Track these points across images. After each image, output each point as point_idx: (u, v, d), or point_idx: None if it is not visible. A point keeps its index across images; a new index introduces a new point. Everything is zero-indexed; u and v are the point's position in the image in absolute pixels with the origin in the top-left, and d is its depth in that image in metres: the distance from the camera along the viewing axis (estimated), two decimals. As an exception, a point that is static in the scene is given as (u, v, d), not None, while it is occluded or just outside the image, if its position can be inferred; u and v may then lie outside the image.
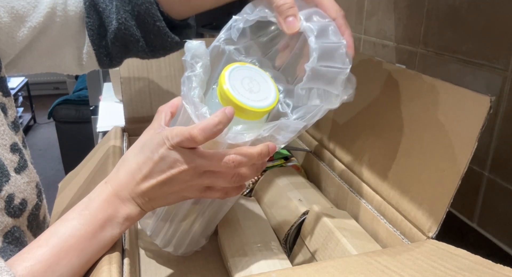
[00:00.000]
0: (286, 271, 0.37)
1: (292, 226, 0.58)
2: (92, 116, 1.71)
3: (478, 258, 0.38)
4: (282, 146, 0.47)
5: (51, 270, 0.38)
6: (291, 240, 0.58)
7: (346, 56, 0.45)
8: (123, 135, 0.76)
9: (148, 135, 0.46)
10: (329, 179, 0.67)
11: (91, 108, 1.85)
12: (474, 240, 0.62)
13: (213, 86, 0.49)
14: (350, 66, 0.45)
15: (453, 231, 0.63)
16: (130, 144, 0.70)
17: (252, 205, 0.67)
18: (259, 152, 0.43)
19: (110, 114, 1.26)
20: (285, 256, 0.54)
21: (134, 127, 0.79)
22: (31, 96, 3.93)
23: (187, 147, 0.42)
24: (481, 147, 0.59)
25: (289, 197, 0.63)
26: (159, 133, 0.44)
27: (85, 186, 0.61)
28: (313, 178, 0.73)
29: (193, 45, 0.47)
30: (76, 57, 0.58)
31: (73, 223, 0.41)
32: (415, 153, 0.49)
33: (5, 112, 0.50)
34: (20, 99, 3.96)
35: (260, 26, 0.52)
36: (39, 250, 0.39)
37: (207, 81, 0.49)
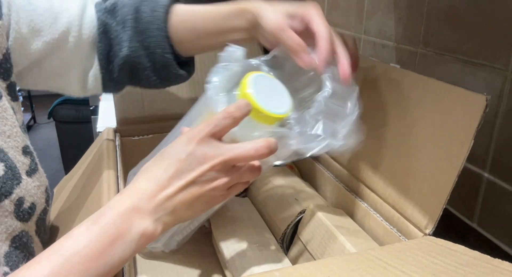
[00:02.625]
0: (288, 269, 0.37)
1: (288, 225, 0.58)
2: (92, 116, 1.72)
3: (476, 253, 0.38)
4: (277, 162, 0.49)
5: None
6: (288, 239, 0.58)
7: (356, 101, 0.47)
8: (115, 136, 0.75)
9: (169, 146, 0.43)
10: (323, 177, 0.67)
11: (91, 108, 1.85)
12: (474, 240, 0.62)
13: (234, 92, 0.51)
14: (358, 111, 0.47)
15: (453, 231, 0.63)
16: (122, 145, 0.70)
17: (247, 205, 0.67)
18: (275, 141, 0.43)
19: (110, 114, 1.26)
20: (284, 255, 0.54)
21: (126, 128, 0.79)
22: (31, 96, 3.93)
23: (219, 134, 0.42)
24: (481, 147, 0.59)
25: (285, 196, 0.63)
26: (179, 138, 0.42)
27: (80, 190, 0.61)
28: (307, 176, 0.73)
29: (235, 48, 0.49)
30: (81, 80, 0.59)
31: (79, 240, 0.37)
32: (411, 151, 0.49)
33: None
34: (20, 99, 3.94)
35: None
36: (38, 266, 0.35)
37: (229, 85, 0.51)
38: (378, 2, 0.81)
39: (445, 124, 0.45)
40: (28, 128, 3.73)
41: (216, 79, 0.48)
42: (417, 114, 0.49)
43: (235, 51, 0.49)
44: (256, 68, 0.52)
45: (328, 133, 0.47)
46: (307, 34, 0.49)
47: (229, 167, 0.42)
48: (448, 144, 0.44)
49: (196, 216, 0.45)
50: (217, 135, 0.42)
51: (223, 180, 0.41)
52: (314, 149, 0.47)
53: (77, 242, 0.37)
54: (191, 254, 0.61)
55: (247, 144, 0.42)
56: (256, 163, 0.44)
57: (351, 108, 0.47)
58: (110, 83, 0.60)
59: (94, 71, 0.58)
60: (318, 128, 0.47)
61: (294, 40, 0.48)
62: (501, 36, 0.55)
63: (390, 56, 0.78)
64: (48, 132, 3.55)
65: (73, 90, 0.60)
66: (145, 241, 0.39)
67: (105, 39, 0.57)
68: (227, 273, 0.55)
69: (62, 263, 0.35)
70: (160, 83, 0.61)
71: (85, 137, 2.32)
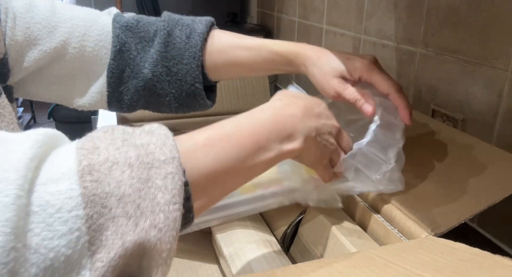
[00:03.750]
0: (290, 268, 0.37)
1: (289, 225, 0.58)
2: (92, 116, 1.72)
3: (477, 250, 0.39)
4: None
5: (211, 145, 0.34)
6: (288, 240, 0.58)
7: (396, 153, 0.48)
8: None
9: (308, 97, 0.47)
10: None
11: (91, 108, 1.85)
12: (474, 241, 0.62)
13: None
14: (393, 164, 0.48)
15: (453, 231, 0.63)
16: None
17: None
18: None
19: (110, 114, 1.26)
20: (284, 255, 0.54)
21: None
22: (31, 96, 3.92)
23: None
24: (481, 147, 0.59)
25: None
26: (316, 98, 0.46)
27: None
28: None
29: (297, 90, 0.51)
30: (86, 94, 0.56)
31: (241, 121, 0.38)
32: (435, 178, 0.50)
33: None
34: (20, 99, 3.96)
35: None
36: (202, 130, 0.36)
37: None
38: (378, 2, 0.81)
39: (482, 179, 0.47)
40: (28, 128, 3.72)
41: None
42: (458, 158, 0.51)
43: (297, 91, 0.50)
44: None
45: (360, 180, 0.49)
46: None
47: (338, 136, 0.46)
48: (475, 188, 0.46)
49: (308, 162, 0.46)
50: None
51: (333, 141, 0.46)
52: (343, 190, 0.50)
53: (240, 122, 0.38)
54: (191, 253, 0.61)
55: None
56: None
57: (390, 158, 0.48)
58: (118, 103, 0.58)
59: (100, 88, 0.56)
60: (350, 173, 0.49)
61: (353, 96, 0.51)
62: (501, 36, 0.55)
63: (390, 56, 0.78)
64: (48, 132, 3.55)
65: (76, 103, 0.57)
66: (287, 147, 0.40)
67: (121, 58, 0.54)
68: (227, 272, 0.55)
69: (225, 131, 0.36)
70: (181, 109, 0.59)
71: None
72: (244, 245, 0.55)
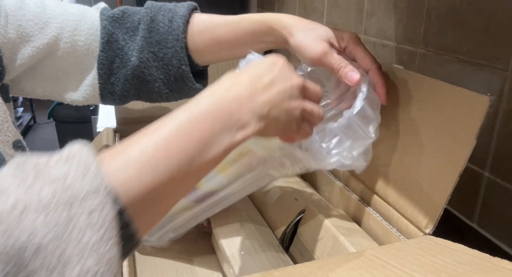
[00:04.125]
0: (288, 269, 0.37)
1: (288, 225, 0.58)
2: (92, 116, 1.72)
3: (476, 252, 0.39)
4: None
5: (146, 159, 0.30)
6: (288, 239, 0.58)
7: (376, 130, 0.48)
8: (115, 136, 0.75)
9: (263, 57, 0.44)
10: (323, 177, 0.67)
11: (91, 108, 1.86)
12: (474, 240, 0.61)
13: None
14: (374, 139, 0.48)
15: (453, 231, 0.63)
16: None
17: (247, 205, 0.67)
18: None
19: (110, 114, 1.26)
20: (284, 254, 0.54)
21: (126, 129, 0.78)
22: (31, 96, 3.92)
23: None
24: (481, 147, 0.59)
25: (285, 196, 0.63)
26: (275, 54, 0.43)
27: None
28: (307, 177, 0.73)
29: (255, 57, 0.49)
30: (79, 88, 0.57)
31: (177, 118, 0.34)
32: (412, 151, 0.49)
33: None
34: (20, 99, 3.96)
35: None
36: (134, 141, 0.32)
37: None
38: (378, 2, 0.81)
39: (448, 124, 0.45)
40: (28, 128, 3.73)
41: None
42: (419, 114, 0.49)
43: (255, 59, 0.48)
44: None
45: (341, 150, 0.48)
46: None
47: (302, 94, 0.42)
48: (450, 144, 0.44)
49: (275, 136, 0.43)
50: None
51: (299, 102, 0.41)
52: (322, 165, 0.48)
53: (176, 120, 0.34)
54: (191, 253, 0.61)
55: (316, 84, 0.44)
56: (321, 109, 0.45)
57: (371, 132, 0.48)
58: (109, 95, 0.58)
59: (92, 81, 0.56)
60: (332, 143, 0.48)
61: (338, 62, 0.49)
62: (501, 36, 0.55)
63: (390, 56, 0.78)
64: (48, 132, 3.55)
65: (71, 97, 0.58)
66: (241, 134, 0.36)
67: (109, 49, 0.55)
68: (226, 272, 0.55)
69: (160, 138, 0.32)
70: (172, 96, 0.59)
71: (85, 137, 2.31)
72: (244, 245, 0.55)
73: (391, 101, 0.53)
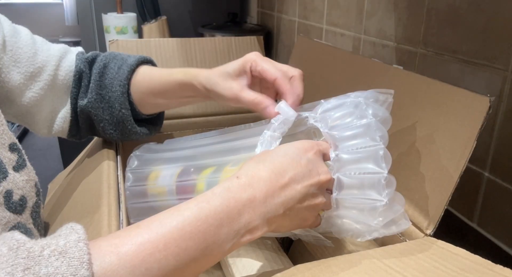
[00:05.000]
0: (290, 270, 0.37)
1: (291, 226, 0.58)
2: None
3: (477, 258, 0.38)
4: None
5: (141, 259, 0.30)
6: (288, 240, 0.58)
7: (383, 186, 0.40)
8: None
9: (293, 143, 0.41)
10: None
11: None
12: (474, 240, 0.61)
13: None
14: (386, 200, 0.40)
15: (453, 231, 0.63)
16: (122, 144, 0.70)
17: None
18: None
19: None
20: (284, 255, 0.54)
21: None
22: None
23: (325, 158, 0.42)
24: (481, 147, 0.59)
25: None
26: (296, 143, 0.41)
27: (77, 188, 0.61)
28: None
29: (287, 112, 0.47)
30: (49, 119, 0.61)
31: (186, 214, 0.33)
32: (413, 152, 0.49)
33: None
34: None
35: None
36: (137, 231, 0.32)
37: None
38: (378, 2, 0.81)
39: (448, 125, 0.45)
40: (27, 130, 3.71)
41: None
42: (420, 115, 0.49)
43: (288, 117, 0.47)
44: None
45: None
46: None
47: (325, 188, 0.41)
48: (450, 145, 0.44)
49: (286, 231, 0.41)
50: (325, 157, 0.42)
51: (321, 199, 0.40)
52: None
53: (183, 216, 0.33)
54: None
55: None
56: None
57: (378, 198, 0.41)
58: (77, 128, 0.63)
59: (65, 113, 0.61)
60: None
61: (253, 99, 0.50)
62: (501, 36, 0.55)
63: (390, 56, 0.78)
64: (48, 132, 3.54)
65: (39, 130, 0.62)
66: (247, 238, 0.35)
67: (78, 85, 0.60)
68: (226, 272, 0.55)
69: (162, 234, 0.32)
70: (118, 136, 0.63)
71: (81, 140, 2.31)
72: (245, 246, 0.55)
73: (392, 102, 0.53)
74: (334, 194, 0.41)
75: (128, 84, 0.60)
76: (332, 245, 0.47)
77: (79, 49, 0.65)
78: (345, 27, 0.93)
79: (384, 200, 0.39)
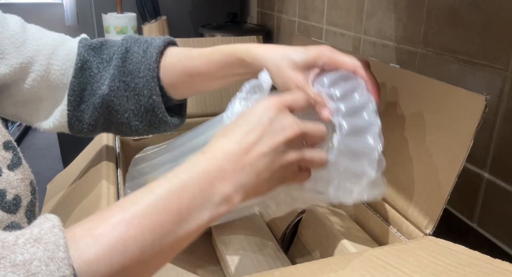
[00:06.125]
0: (289, 269, 0.37)
1: (289, 225, 0.58)
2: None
3: (476, 253, 0.38)
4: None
5: (117, 238, 0.30)
6: (288, 240, 0.58)
7: (374, 161, 0.43)
8: (114, 136, 0.75)
9: (253, 107, 0.41)
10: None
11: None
12: (474, 240, 0.62)
13: None
14: (374, 176, 0.42)
15: (453, 231, 0.63)
16: (122, 144, 0.70)
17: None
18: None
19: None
20: (284, 255, 0.54)
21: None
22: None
23: (292, 109, 0.41)
24: (481, 147, 0.59)
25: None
26: (259, 103, 0.40)
27: (77, 188, 0.61)
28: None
29: (264, 78, 0.47)
30: (50, 114, 0.56)
31: (157, 191, 0.33)
32: (411, 151, 0.49)
33: None
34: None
35: None
36: (109, 213, 0.31)
37: None
38: (378, 2, 0.81)
39: (445, 124, 0.45)
40: (28, 128, 3.72)
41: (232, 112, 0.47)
42: (416, 114, 0.49)
43: (263, 82, 0.47)
44: None
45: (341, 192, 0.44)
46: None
47: (301, 142, 0.41)
48: (448, 144, 0.44)
49: (268, 192, 0.41)
50: (291, 109, 0.41)
51: (297, 154, 0.40)
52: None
53: (155, 193, 0.33)
54: (190, 253, 0.61)
55: (318, 123, 0.41)
56: (324, 154, 0.42)
57: (367, 171, 0.43)
58: (79, 123, 0.57)
59: (62, 107, 0.55)
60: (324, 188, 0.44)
61: (315, 96, 0.45)
62: (501, 36, 0.55)
63: (390, 56, 0.78)
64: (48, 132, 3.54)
65: (41, 123, 0.57)
66: (223, 209, 0.35)
67: (82, 76, 0.54)
68: (226, 272, 0.55)
69: (135, 212, 0.31)
70: (143, 128, 0.57)
71: (85, 137, 2.31)
72: (244, 245, 0.55)
73: (389, 101, 0.53)
74: (335, 138, 0.42)
75: (158, 68, 0.54)
76: (328, 203, 0.46)
77: (83, 35, 0.59)
78: (345, 27, 0.93)
79: (379, 149, 0.42)
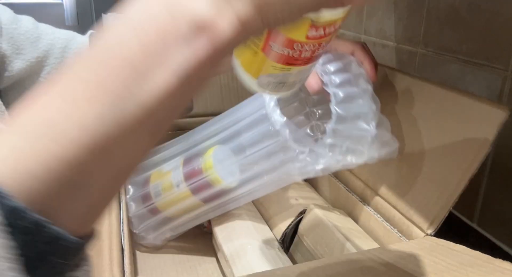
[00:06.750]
0: (290, 268, 0.37)
1: (289, 225, 0.58)
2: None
3: (477, 253, 0.39)
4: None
5: (63, 112, 0.20)
6: (288, 240, 0.58)
7: (373, 119, 0.46)
8: None
9: None
10: (324, 178, 0.67)
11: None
12: (474, 240, 0.62)
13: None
14: (375, 132, 0.45)
15: (453, 231, 0.63)
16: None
17: (247, 204, 0.67)
18: None
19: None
20: (284, 255, 0.54)
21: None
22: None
23: None
24: (481, 147, 0.59)
25: (285, 196, 0.63)
26: None
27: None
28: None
29: None
30: None
31: (105, 43, 0.20)
32: (422, 155, 0.49)
33: None
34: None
35: None
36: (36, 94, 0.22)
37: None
38: (378, 2, 0.81)
39: (460, 133, 0.46)
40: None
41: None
42: (431, 121, 0.49)
43: None
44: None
45: (349, 154, 0.47)
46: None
47: None
48: (460, 152, 0.44)
49: (291, 15, 0.21)
50: None
51: None
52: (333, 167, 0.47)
53: (100, 46, 0.21)
54: (191, 253, 0.61)
55: None
56: None
57: (367, 129, 0.46)
58: None
59: None
60: (335, 154, 0.47)
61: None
62: (501, 36, 0.55)
63: (390, 56, 0.78)
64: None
65: None
66: (210, 41, 0.20)
67: None
68: (226, 272, 0.55)
69: (82, 74, 0.20)
70: None
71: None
72: (245, 245, 0.55)
73: (397, 103, 0.53)
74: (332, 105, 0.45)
75: None
76: (346, 167, 0.48)
77: (92, 31, 0.61)
78: (345, 27, 0.93)
79: (374, 109, 0.46)
